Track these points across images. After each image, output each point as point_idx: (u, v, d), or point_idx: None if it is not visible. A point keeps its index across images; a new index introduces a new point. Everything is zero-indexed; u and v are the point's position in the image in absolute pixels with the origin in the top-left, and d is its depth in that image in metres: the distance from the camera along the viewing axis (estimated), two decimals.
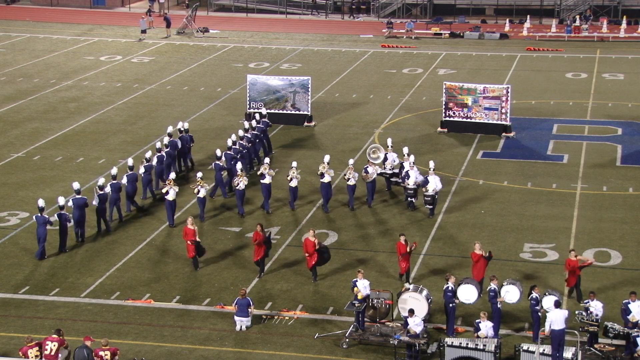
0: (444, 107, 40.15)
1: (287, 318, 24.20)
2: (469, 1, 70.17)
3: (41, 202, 27.84)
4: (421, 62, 54.34)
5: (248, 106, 41.66)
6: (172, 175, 30.56)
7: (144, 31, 61.32)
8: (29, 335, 21.57)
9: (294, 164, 31.53)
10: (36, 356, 20.68)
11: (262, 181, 30.98)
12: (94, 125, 41.58)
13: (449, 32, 62.43)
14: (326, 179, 30.84)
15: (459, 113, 39.65)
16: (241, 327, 23.57)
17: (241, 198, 30.80)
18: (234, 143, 34.01)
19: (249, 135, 35.47)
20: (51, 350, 20.72)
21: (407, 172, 31.31)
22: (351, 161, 31.78)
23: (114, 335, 22.98)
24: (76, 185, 29.19)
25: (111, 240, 29.04)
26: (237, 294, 24.07)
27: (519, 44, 59.62)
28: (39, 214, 27.49)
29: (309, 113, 41.33)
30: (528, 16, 64.30)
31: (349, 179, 30.97)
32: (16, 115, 43.01)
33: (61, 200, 28.18)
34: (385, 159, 32.69)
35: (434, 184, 30.56)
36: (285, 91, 41.23)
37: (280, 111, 41.27)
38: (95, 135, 40.07)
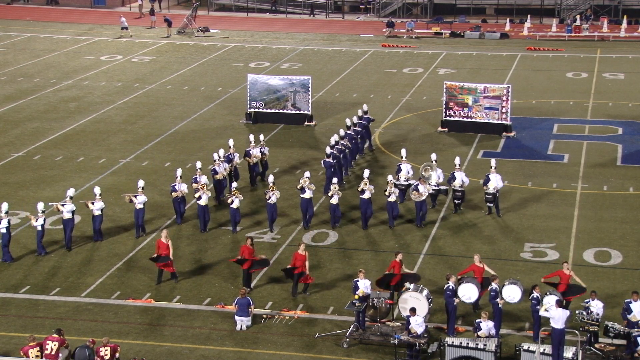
0: (444, 106, 40.14)
1: (287, 318, 24.19)
2: (470, 1, 70.18)
3: (5, 206, 27.44)
4: (422, 62, 54.34)
5: (248, 106, 41.68)
6: (234, 184, 29.89)
7: (124, 29, 61.60)
8: (32, 334, 21.55)
9: (335, 179, 30.17)
10: (37, 356, 20.68)
11: (302, 196, 29.45)
12: (95, 124, 41.59)
13: (449, 31, 62.44)
14: (366, 195, 29.23)
15: (460, 113, 39.65)
16: (241, 326, 23.56)
17: (272, 212, 29.38)
18: (337, 143, 33.53)
19: (351, 133, 35.29)
20: (52, 350, 20.72)
21: (452, 174, 30.88)
22: (390, 177, 30.33)
23: (115, 334, 22.97)
24: None
25: (111, 239, 29.02)
26: (238, 293, 24.07)
27: (519, 43, 59.63)
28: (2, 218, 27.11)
29: (310, 113, 41.33)
30: (528, 16, 64.31)
31: (389, 194, 29.42)
32: (17, 115, 43.02)
33: (40, 206, 27.77)
34: (399, 170, 31.76)
35: (495, 182, 30.39)
36: (285, 91, 41.24)
37: (281, 111, 41.28)
38: (95, 134, 40.07)
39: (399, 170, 31.81)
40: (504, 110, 39.19)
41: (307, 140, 39.18)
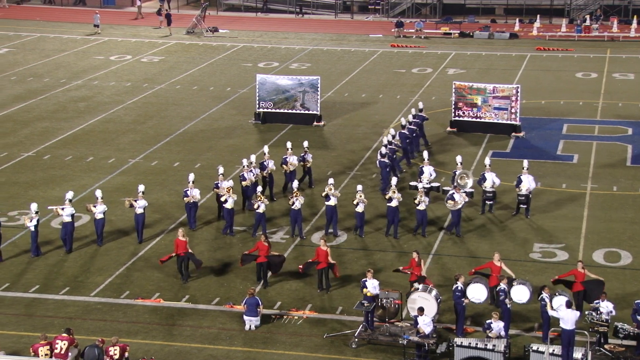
0: (453, 106, 40.06)
1: (296, 318, 24.20)
2: (479, 1, 70.05)
3: None
4: (430, 62, 54.29)
5: (257, 106, 41.70)
6: (259, 189, 29.23)
7: (96, 25, 62.55)
8: (43, 333, 21.58)
9: (360, 187, 29.26)
10: (46, 354, 20.74)
11: (326, 203, 28.86)
12: (104, 124, 41.68)
13: (458, 31, 62.36)
14: (394, 203, 28.59)
15: (469, 113, 39.58)
16: (250, 326, 23.58)
17: (296, 218, 28.79)
18: (390, 143, 33.27)
19: (405, 132, 35.17)
20: (61, 349, 20.77)
21: (483, 175, 30.58)
22: (420, 185, 29.84)
23: (124, 334, 23.01)
24: None
25: (121, 239, 29.04)
26: (246, 293, 24.08)
27: (528, 43, 59.51)
28: None
29: (318, 113, 41.33)
30: (538, 16, 64.16)
31: (419, 203, 28.75)
32: (26, 115, 43.14)
33: (33, 207, 27.71)
34: (422, 172, 31.25)
35: (528, 183, 30.19)
36: (294, 91, 41.24)
37: (290, 111, 41.29)
38: (104, 134, 40.16)
39: (421, 172, 31.31)
40: (513, 110, 39.12)
41: (315, 140, 39.16)
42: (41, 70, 52.05)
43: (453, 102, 40.10)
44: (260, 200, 28.70)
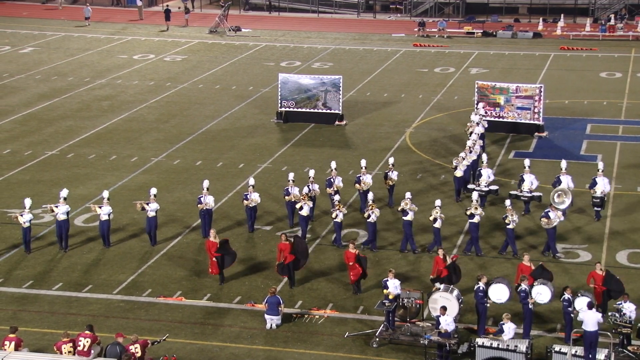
0: (475, 106, 39.92)
1: (317, 317, 24.22)
2: (502, 0, 69.77)
3: None
4: (453, 61, 54.13)
5: (279, 105, 41.77)
6: (337, 197, 28.73)
7: (87, 18, 64.13)
8: (66, 331, 21.75)
9: (438, 202, 28.09)
10: (69, 352, 20.88)
11: (404, 218, 27.85)
12: (127, 123, 41.91)
13: (481, 31, 62.15)
14: (476, 219, 27.61)
15: (491, 112, 39.42)
16: (271, 325, 23.63)
17: (372, 231, 27.90)
18: (474, 143, 33.28)
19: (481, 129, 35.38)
20: (84, 346, 20.89)
21: (558, 177, 30.26)
22: (508, 202, 28.38)
23: (145, 332, 23.12)
24: None
25: (144, 237, 29.18)
26: (268, 292, 24.13)
27: (552, 43, 59.20)
28: None
29: (340, 112, 41.33)
30: (562, 15, 63.83)
31: (509, 222, 27.66)
32: (50, 113, 43.47)
33: (27, 203, 27.75)
34: (480, 175, 30.93)
35: (602, 185, 30.00)
36: (316, 90, 41.26)
37: (312, 110, 41.32)
38: (128, 133, 40.37)
39: (480, 175, 31.01)
40: (536, 110, 38.94)
41: (337, 140, 39.19)
42: (65, 69, 52.42)
43: (475, 102, 39.95)
44: (338, 209, 28.25)
